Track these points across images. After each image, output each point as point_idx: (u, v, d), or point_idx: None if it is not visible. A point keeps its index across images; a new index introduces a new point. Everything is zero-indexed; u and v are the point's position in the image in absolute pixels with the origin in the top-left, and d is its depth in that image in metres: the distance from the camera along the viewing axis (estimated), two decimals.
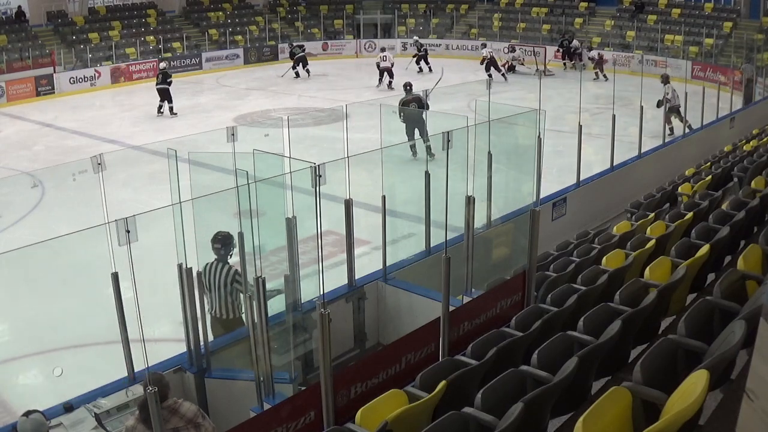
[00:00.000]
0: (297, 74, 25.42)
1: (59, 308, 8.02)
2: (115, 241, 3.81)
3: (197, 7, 30.61)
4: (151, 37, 27.19)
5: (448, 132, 5.57)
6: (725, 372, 3.68)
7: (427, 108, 13.14)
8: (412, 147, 12.59)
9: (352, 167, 6.36)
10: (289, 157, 5.73)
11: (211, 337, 6.38)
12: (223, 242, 6.39)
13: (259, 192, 5.17)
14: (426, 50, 26.83)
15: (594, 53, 25.25)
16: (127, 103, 21.71)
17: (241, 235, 5.73)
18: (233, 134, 6.19)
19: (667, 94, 15.64)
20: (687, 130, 14.51)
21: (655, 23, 27.22)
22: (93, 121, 19.34)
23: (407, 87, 14.32)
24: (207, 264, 6.50)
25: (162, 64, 20.37)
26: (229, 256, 6.42)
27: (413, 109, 13.37)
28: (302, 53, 25.91)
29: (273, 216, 5.97)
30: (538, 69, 23.91)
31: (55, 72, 23.48)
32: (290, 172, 5.43)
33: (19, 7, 25.68)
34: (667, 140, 13.14)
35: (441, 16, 32.03)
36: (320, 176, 4.89)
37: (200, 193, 5.72)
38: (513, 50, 26.80)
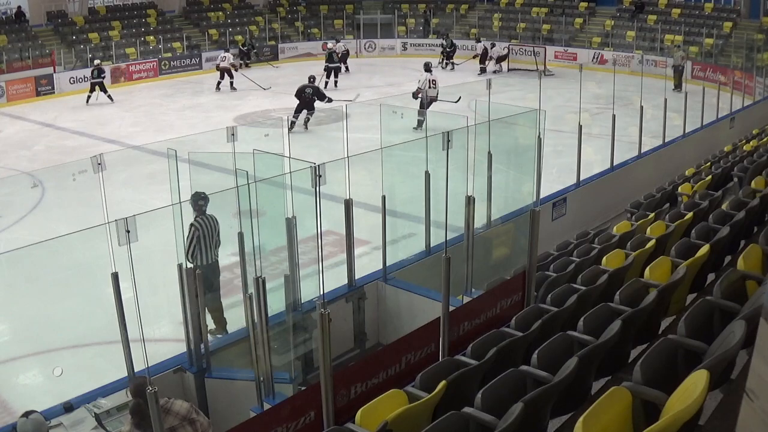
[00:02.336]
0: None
1: (59, 308, 8.02)
2: (115, 241, 3.81)
3: (197, 7, 30.59)
4: (151, 37, 27.17)
5: (448, 132, 5.57)
6: (725, 372, 3.68)
7: (321, 96, 17.10)
8: (293, 123, 16.59)
9: (352, 167, 6.37)
10: (289, 157, 5.74)
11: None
12: (206, 198, 6.95)
13: (259, 192, 5.18)
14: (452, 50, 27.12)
15: (480, 45, 26.54)
16: (127, 103, 21.71)
17: (241, 235, 5.73)
18: (233, 134, 6.19)
19: (432, 84, 16.65)
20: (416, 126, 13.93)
21: (655, 23, 27.21)
22: (93, 121, 19.32)
23: (311, 79, 17.72)
24: (195, 221, 6.91)
25: (96, 61, 22.45)
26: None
27: (308, 93, 17.12)
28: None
29: (273, 216, 5.97)
30: (538, 69, 23.91)
31: (55, 72, 23.45)
32: (290, 172, 5.43)
33: (19, 7, 25.64)
34: (667, 140, 13.14)
35: (441, 16, 32.02)
36: (320, 176, 4.89)
37: None
38: (478, 41, 27.52)
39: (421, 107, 16.15)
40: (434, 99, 16.63)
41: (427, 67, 17.56)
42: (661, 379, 3.48)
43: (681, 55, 22.01)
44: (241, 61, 27.09)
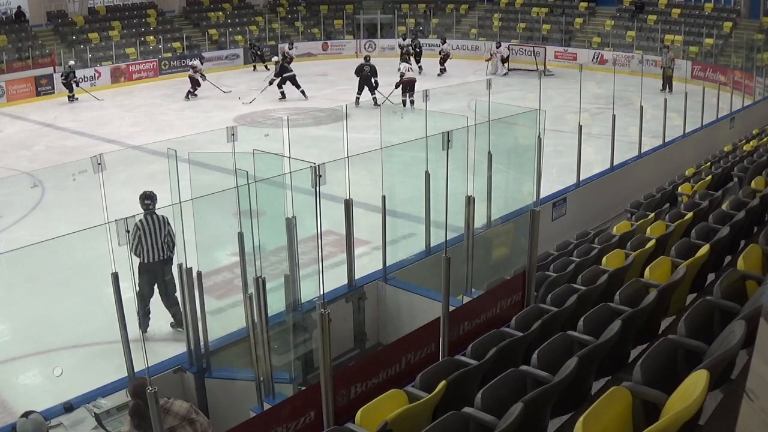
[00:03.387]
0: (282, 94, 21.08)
1: (59, 308, 8.02)
2: (115, 241, 3.81)
3: (197, 7, 30.59)
4: (151, 37, 27.17)
5: (448, 132, 5.57)
6: (725, 372, 3.68)
7: (376, 73, 19.53)
8: (357, 99, 19.15)
9: (352, 167, 6.37)
10: (289, 157, 5.74)
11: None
12: (152, 198, 7.51)
13: (259, 192, 5.18)
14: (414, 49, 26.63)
15: (447, 46, 26.77)
16: (127, 103, 21.71)
17: (241, 235, 5.73)
18: (233, 134, 6.19)
19: (409, 69, 19.92)
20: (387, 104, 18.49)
21: (655, 23, 27.21)
22: (93, 121, 19.33)
23: (367, 58, 20.25)
24: (139, 221, 7.16)
25: (70, 62, 22.75)
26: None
27: (366, 70, 19.54)
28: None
29: (273, 216, 5.97)
30: (538, 69, 23.91)
31: (55, 72, 23.42)
32: (290, 172, 5.43)
33: (19, 7, 25.64)
34: (667, 140, 13.14)
35: (441, 16, 32.02)
36: (320, 176, 4.88)
37: (200, 193, 5.72)
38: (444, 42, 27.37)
39: (404, 92, 18.60)
40: (413, 79, 19.63)
41: (403, 59, 21.40)
42: (661, 379, 3.48)
43: (670, 57, 22.02)
44: (264, 63, 26.69)
